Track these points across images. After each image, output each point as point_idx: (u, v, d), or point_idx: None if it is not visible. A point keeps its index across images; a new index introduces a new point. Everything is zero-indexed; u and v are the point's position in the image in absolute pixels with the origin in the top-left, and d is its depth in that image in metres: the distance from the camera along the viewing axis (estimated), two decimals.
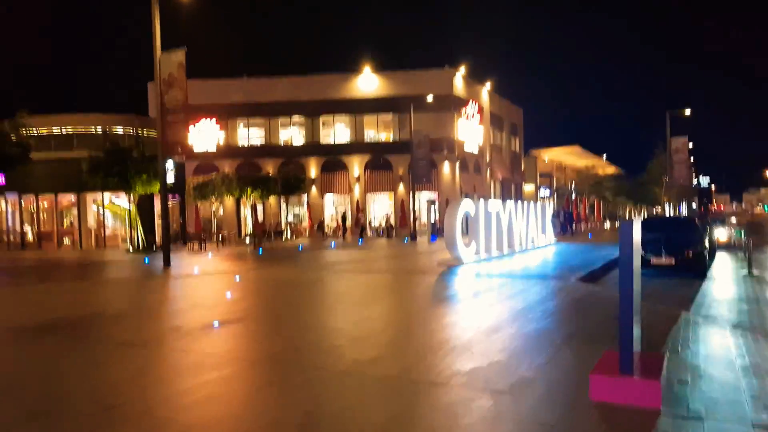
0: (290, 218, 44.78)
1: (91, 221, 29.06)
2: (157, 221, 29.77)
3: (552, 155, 65.77)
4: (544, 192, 63.65)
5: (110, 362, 6.67)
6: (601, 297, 11.07)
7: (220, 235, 30.88)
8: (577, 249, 24.45)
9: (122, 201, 28.05)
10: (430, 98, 35.48)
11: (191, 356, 6.79)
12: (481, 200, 18.86)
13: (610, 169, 72.24)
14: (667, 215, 45.97)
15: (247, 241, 30.98)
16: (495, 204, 19.80)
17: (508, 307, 9.68)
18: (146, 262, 19.67)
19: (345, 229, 40.14)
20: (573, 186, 66.83)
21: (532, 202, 25.03)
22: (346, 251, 26.05)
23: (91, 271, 18.71)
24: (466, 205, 17.68)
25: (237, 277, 14.67)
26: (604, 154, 71.44)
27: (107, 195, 28.30)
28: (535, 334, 7.67)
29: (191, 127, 42.34)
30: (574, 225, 40.55)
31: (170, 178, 28.90)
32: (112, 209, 28.52)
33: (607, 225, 59.77)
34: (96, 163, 24.16)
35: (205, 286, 13.98)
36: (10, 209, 30.01)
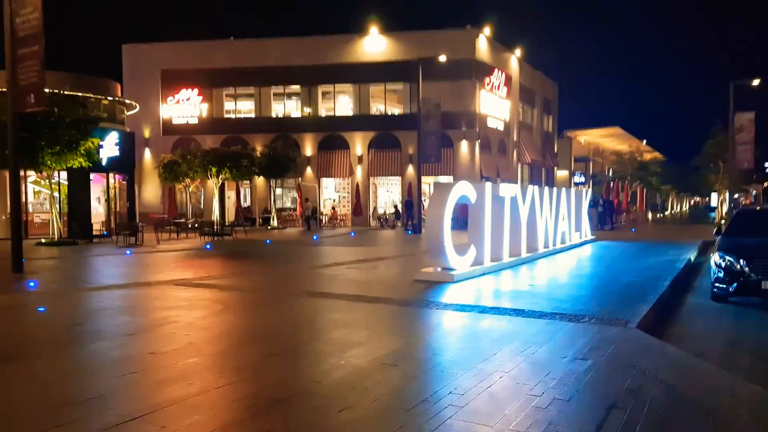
0: (288, 204, 39.16)
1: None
2: (95, 205, 24.40)
3: (589, 137, 58.67)
4: (579, 178, 56.72)
5: None
6: (701, 389, 5.03)
7: (180, 225, 25.25)
8: (623, 250, 18.18)
9: (61, 177, 22.54)
10: (443, 58, 29.12)
11: None
12: (488, 183, 12.79)
13: (653, 156, 64.63)
14: None
15: (214, 229, 25.32)
16: (508, 188, 13.69)
17: None
18: (22, 262, 14.21)
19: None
20: (611, 172, 59.66)
21: (564, 189, 18.85)
22: (319, 248, 20.26)
23: None
24: (462, 189, 11.62)
25: (42, 308, 8.93)
26: (644, 140, 63.78)
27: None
28: None
29: (169, 98, 36.94)
30: (615, 216, 33.94)
31: (110, 152, 23.48)
32: (39, 185, 23.04)
33: (650, 216, 52.71)
34: None
35: None
36: None
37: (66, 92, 22.30)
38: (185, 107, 36.89)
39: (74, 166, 19.83)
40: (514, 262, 13.65)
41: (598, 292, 10.23)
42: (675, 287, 11.09)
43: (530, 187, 15.31)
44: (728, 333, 8.02)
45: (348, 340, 6.74)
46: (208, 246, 20.10)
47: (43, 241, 20.25)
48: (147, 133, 36.71)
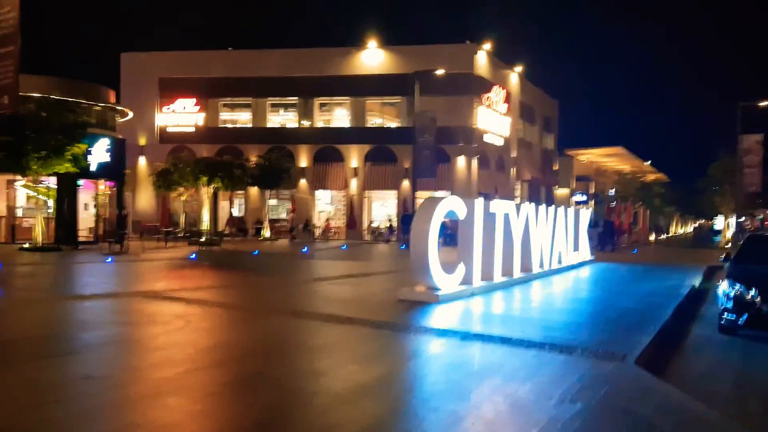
0: (282, 215, 38.41)
1: (2, 208, 23.01)
2: (85, 211, 23.71)
3: (591, 157, 57.93)
4: (580, 198, 55.89)
5: None
6: None
7: (169, 233, 24.55)
8: (623, 273, 17.44)
9: (51, 182, 21.81)
10: (440, 72, 28.57)
11: None
12: (479, 199, 12.07)
13: (656, 177, 63.80)
14: None
15: (203, 239, 24.62)
16: (501, 204, 12.98)
17: None
18: None
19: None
20: (614, 191, 58.86)
21: (562, 207, 18.14)
22: (306, 261, 19.55)
23: None
24: (450, 204, 10.92)
25: None
26: (648, 161, 63.00)
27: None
28: None
29: (165, 106, 36.36)
30: (616, 238, 33.12)
31: (100, 159, 22.87)
32: (30, 189, 22.31)
33: (653, 238, 51.78)
34: None
35: None
36: None
37: (56, 97, 21.70)
38: (182, 116, 36.34)
39: (60, 172, 19.22)
40: (506, 282, 12.89)
41: (593, 319, 9.47)
42: (678, 316, 10.31)
43: (525, 203, 14.61)
44: (737, 372, 7.22)
45: (310, 368, 6.00)
46: (192, 256, 19.37)
47: (26, 246, 19.59)
48: (143, 141, 36.09)
